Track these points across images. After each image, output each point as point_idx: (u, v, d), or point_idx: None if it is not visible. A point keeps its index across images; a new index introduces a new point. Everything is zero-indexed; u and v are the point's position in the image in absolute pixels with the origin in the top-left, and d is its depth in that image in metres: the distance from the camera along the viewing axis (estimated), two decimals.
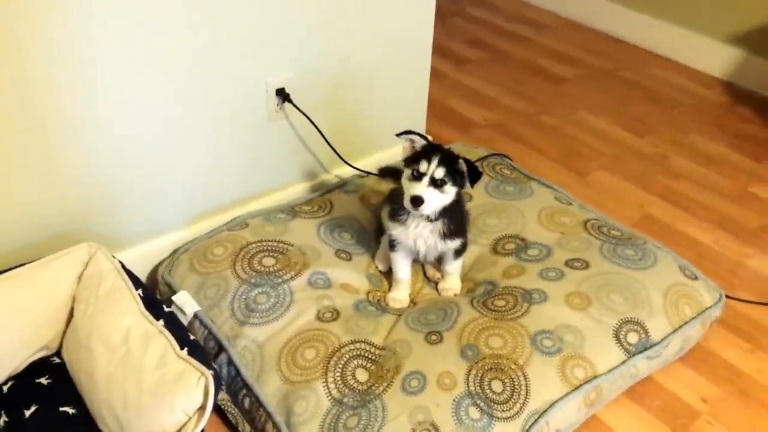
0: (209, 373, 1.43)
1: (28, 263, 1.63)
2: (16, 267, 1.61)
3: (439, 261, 1.91)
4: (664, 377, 1.84)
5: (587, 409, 1.66)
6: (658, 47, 3.38)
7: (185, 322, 1.74)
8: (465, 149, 2.33)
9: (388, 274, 1.93)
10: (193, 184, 1.96)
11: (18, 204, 1.67)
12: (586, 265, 1.89)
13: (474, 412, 1.55)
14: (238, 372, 1.67)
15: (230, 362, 1.69)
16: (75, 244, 1.68)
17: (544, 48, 3.46)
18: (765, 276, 2.18)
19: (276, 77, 1.96)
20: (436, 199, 1.65)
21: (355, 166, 2.25)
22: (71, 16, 1.54)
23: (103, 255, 1.67)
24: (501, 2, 3.89)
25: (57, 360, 1.66)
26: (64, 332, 1.66)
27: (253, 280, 1.80)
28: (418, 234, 1.76)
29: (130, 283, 1.62)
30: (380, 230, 1.99)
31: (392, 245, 1.83)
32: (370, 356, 1.67)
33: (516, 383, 1.60)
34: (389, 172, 2.01)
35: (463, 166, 1.64)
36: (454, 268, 1.90)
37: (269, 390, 1.62)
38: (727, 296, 1.96)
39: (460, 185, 1.67)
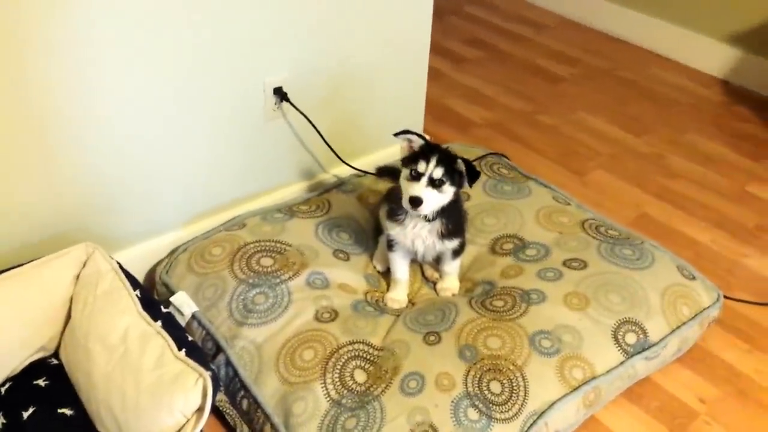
0: (207, 374, 1.43)
1: (26, 263, 1.62)
2: (14, 267, 1.61)
3: (438, 261, 1.91)
4: (662, 378, 1.84)
5: (586, 410, 1.66)
6: (656, 47, 3.38)
7: (183, 323, 1.74)
8: (463, 149, 2.33)
9: (387, 274, 1.93)
10: (192, 184, 1.96)
11: (17, 204, 1.67)
12: (584, 265, 1.89)
13: (473, 413, 1.55)
14: (236, 373, 1.66)
15: (228, 363, 1.68)
16: (74, 244, 1.67)
17: (542, 47, 3.46)
18: (763, 276, 2.18)
19: (273, 77, 1.96)
20: (435, 199, 1.65)
21: (352, 165, 2.25)
22: (71, 16, 1.53)
23: (100, 255, 1.67)
24: (499, 1, 3.89)
25: (55, 361, 1.66)
26: (62, 333, 1.66)
27: (251, 281, 1.80)
28: (416, 234, 1.76)
29: (127, 284, 1.62)
30: (378, 230, 1.99)
31: (390, 245, 1.83)
32: (368, 357, 1.67)
33: (515, 384, 1.60)
34: (387, 172, 2.01)
35: (462, 166, 1.64)
36: (452, 268, 1.90)
37: (267, 391, 1.62)
38: (725, 296, 1.96)
39: (459, 185, 1.67)
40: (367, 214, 2.09)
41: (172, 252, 1.94)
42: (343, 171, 2.26)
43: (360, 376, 1.62)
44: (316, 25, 1.97)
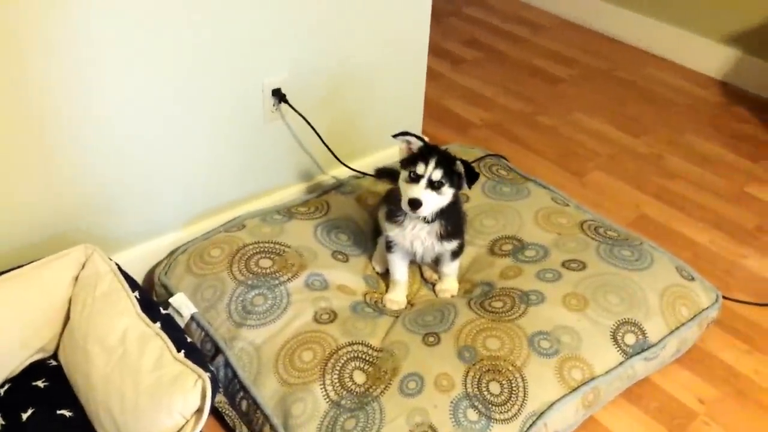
0: (206, 376, 1.43)
1: (26, 264, 1.62)
2: (13, 268, 1.61)
3: (437, 262, 1.91)
4: (661, 378, 1.84)
5: (585, 411, 1.66)
6: (654, 47, 3.38)
7: (182, 324, 1.74)
8: (462, 150, 2.33)
9: (385, 275, 1.93)
10: (191, 184, 1.96)
11: (16, 204, 1.66)
12: (582, 266, 1.89)
13: (472, 414, 1.55)
14: (235, 374, 1.66)
15: (227, 364, 1.68)
16: (73, 245, 1.68)
17: (541, 48, 3.46)
18: (761, 276, 2.18)
19: (272, 78, 1.96)
20: (434, 202, 1.65)
21: (351, 166, 2.25)
22: (71, 16, 1.53)
23: (99, 256, 1.67)
24: (497, 2, 3.89)
25: (54, 363, 1.66)
26: (61, 334, 1.66)
27: (249, 282, 1.80)
28: (415, 235, 1.76)
29: (126, 285, 1.62)
30: (377, 231, 1.99)
31: (389, 246, 1.83)
32: (367, 358, 1.67)
33: (514, 385, 1.60)
34: (386, 173, 2.01)
35: (461, 168, 1.64)
36: (451, 269, 1.90)
37: (266, 392, 1.62)
38: (723, 297, 1.96)
39: (458, 187, 1.67)
40: (365, 215, 2.09)
41: (171, 253, 1.94)
42: (342, 172, 2.26)
43: (359, 377, 1.62)
44: (316, 25, 1.97)
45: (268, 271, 1.83)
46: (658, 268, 1.91)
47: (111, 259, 1.68)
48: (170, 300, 1.78)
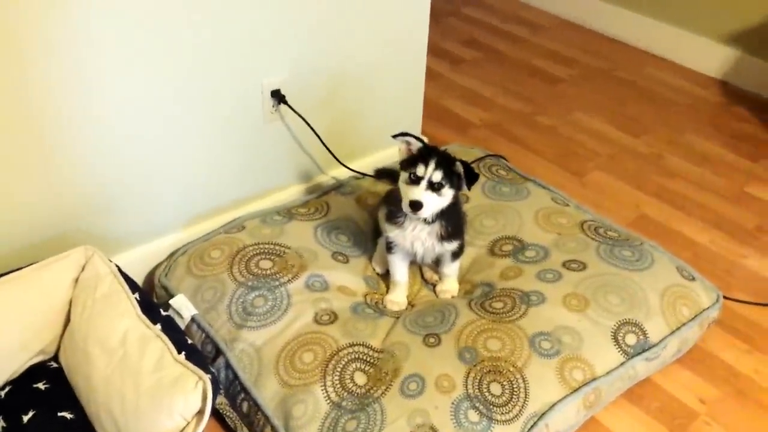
0: (207, 377, 1.43)
1: (26, 266, 1.62)
2: (14, 270, 1.61)
3: (437, 263, 1.91)
4: (662, 379, 1.84)
5: (586, 411, 1.66)
6: (653, 47, 3.38)
7: (182, 326, 1.73)
8: (461, 150, 2.33)
9: (386, 276, 1.93)
10: (191, 185, 1.96)
11: (15, 205, 1.66)
12: (583, 267, 1.89)
13: (473, 415, 1.55)
14: (236, 376, 1.66)
15: (228, 366, 1.68)
16: (73, 246, 1.67)
17: (540, 48, 3.46)
18: (761, 276, 2.18)
19: (272, 78, 1.96)
20: (435, 203, 1.65)
21: (351, 167, 2.24)
22: (71, 16, 1.53)
23: (99, 258, 1.66)
24: (496, 2, 3.89)
25: (54, 365, 1.65)
26: (62, 336, 1.65)
27: (250, 283, 1.80)
28: (416, 236, 1.76)
29: (126, 287, 1.61)
30: (377, 232, 1.99)
31: (389, 247, 1.82)
32: (368, 359, 1.66)
33: (515, 386, 1.60)
34: (385, 174, 2.01)
35: (460, 169, 1.64)
36: (451, 270, 1.90)
37: (267, 394, 1.61)
38: (724, 297, 1.96)
39: (458, 187, 1.67)
40: (365, 216, 2.09)
41: (172, 254, 1.94)
42: (342, 173, 2.26)
43: (360, 379, 1.62)
44: (315, 25, 1.97)
45: (268, 272, 1.83)
46: (658, 268, 1.91)
47: (111, 261, 1.68)
48: (171, 301, 1.77)
